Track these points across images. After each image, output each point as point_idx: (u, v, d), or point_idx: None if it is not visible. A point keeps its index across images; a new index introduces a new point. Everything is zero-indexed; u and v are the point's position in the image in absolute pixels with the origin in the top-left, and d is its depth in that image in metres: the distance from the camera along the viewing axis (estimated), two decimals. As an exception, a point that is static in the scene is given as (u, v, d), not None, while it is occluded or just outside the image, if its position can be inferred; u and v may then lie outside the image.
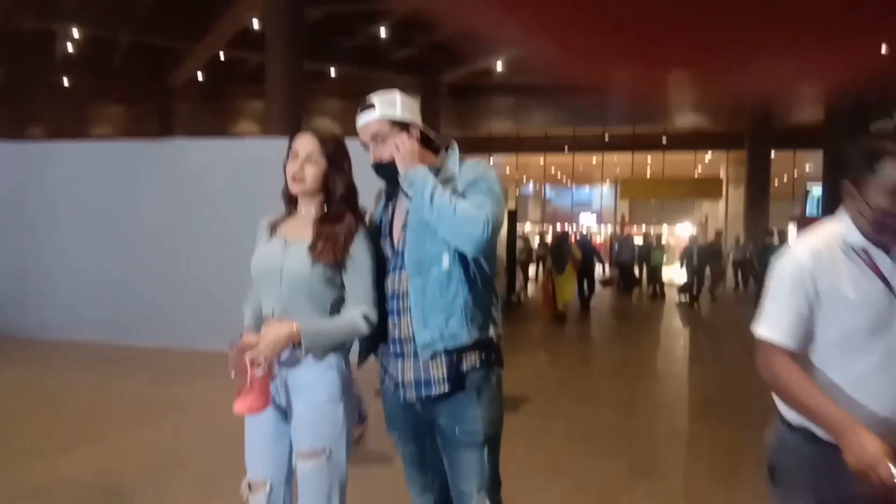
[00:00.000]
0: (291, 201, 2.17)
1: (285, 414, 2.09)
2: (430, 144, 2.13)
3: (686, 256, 15.06)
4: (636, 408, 6.06)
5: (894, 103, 13.17)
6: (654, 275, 16.77)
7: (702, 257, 14.84)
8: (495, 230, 1.95)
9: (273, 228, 2.17)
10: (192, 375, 6.45)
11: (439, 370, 2.00)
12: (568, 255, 12.03)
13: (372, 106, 2.05)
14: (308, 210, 2.15)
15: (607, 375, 7.66)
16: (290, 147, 2.12)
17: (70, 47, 24.30)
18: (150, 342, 7.64)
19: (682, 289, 15.52)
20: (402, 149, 2.01)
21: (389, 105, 2.06)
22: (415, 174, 1.98)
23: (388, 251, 2.12)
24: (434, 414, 2.06)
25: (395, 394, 2.12)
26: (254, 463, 2.10)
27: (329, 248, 2.02)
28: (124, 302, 7.88)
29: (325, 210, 2.13)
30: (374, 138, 2.06)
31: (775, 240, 13.08)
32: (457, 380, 2.01)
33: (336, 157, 2.12)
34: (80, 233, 8.13)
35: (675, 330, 11.82)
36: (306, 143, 2.10)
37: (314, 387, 2.03)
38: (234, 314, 2.40)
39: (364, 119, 2.07)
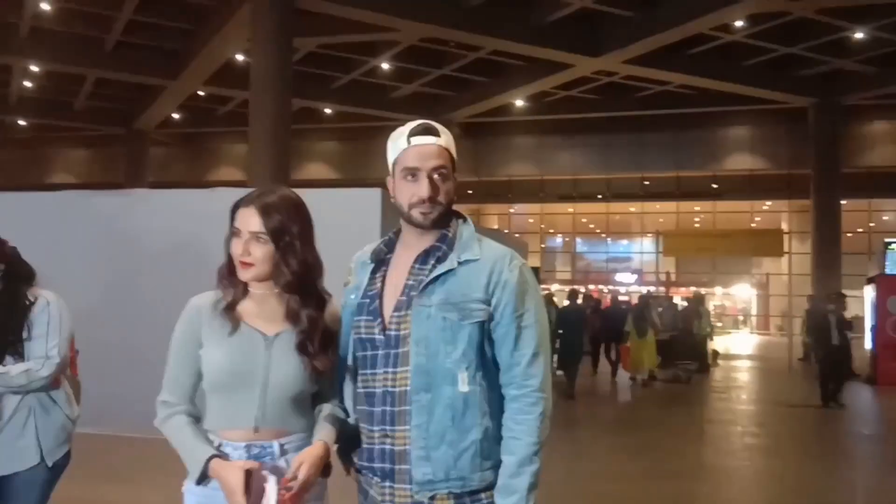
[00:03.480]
0: (238, 281, 1.96)
1: None
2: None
3: (814, 329, 11.18)
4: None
5: None
6: (700, 347, 14.79)
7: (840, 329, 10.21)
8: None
9: (227, 315, 1.88)
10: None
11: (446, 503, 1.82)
12: (649, 320, 12.50)
13: (436, 132, 1.84)
14: (264, 292, 1.91)
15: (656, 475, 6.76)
16: (232, 219, 1.89)
17: (28, 84, 24.22)
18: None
19: (825, 386, 10.33)
20: None
21: (450, 140, 1.87)
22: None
23: (375, 333, 1.84)
24: None
25: None
26: None
27: (320, 350, 1.90)
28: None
29: (288, 299, 1.90)
30: (437, 169, 1.80)
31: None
32: None
33: (285, 235, 1.85)
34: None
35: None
36: (248, 219, 1.86)
37: None
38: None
39: (426, 140, 1.82)
